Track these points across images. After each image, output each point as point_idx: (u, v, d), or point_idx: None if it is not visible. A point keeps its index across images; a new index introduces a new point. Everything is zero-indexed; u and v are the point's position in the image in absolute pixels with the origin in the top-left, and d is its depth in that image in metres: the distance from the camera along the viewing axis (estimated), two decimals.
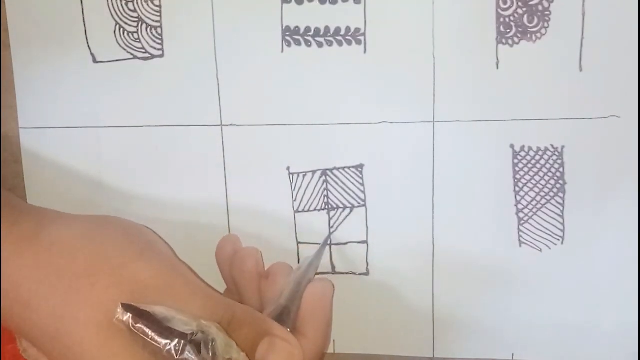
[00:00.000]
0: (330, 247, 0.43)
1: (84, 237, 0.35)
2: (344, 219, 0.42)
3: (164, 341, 0.29)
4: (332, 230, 0.42)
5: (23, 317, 0.33)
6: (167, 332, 0.30)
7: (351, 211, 0.42)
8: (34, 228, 0.35)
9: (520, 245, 0.41)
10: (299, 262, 0.43)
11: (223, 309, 0.33)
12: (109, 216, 0.38)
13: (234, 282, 0.40)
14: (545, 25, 0.38)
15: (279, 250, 0.43)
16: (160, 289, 0.33)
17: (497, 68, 0.39)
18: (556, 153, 0.40)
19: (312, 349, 0.35)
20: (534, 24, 0.38)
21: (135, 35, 0.42)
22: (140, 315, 0.30)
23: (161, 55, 0.42)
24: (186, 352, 0.29)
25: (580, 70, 0.39)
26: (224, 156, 0.43)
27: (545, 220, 0.41)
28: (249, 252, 0.40)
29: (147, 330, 0.30)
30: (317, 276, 0.41)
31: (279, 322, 0.35)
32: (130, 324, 0.30)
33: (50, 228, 0.35)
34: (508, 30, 0.39)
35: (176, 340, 0.29)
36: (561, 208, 0.40)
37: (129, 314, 0.30)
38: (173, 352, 0.29)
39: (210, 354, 0.30)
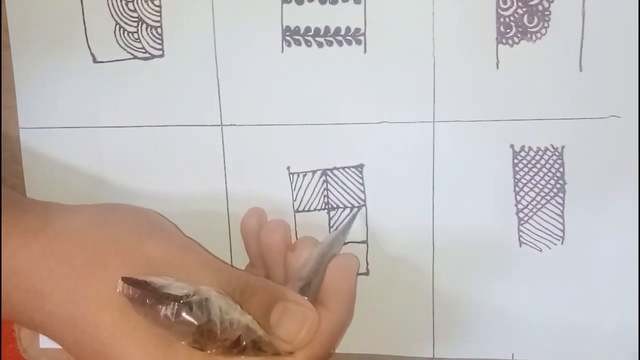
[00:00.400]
0: None
1: (92, 223, 0.35)
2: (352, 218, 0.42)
3: (160, 306, 0.30)
4: (355, 211, 0.42)
5: (36, 307, 0.33)
6: (162, 297, 0.30)
7: (359, 210, 0.42)
8: (39, 220, 0.35)
9: (520, 245, 0.41)
10: None
11: (235, 279, 0.34)
12: (114, 203, 0.39)
13: (260, 254, 0.41)
14: (545, 25, 0.38)
15: None
16: (172, 265, 0.33)
17: (497, 68, 0.39)
18: (556, 153, 0.40)
19: (333, 321, 0.35)
20: (534, 24, 0.38)
21: (135, 35, 0.42)
22: (138, 284, 0.30)
23: (161, 55, 0.42)
24: (182, 314, 0.30)
25: (580, 70, 0.39)
26: (224, 156, 0.43)
27: (545, 220, 0.41)
28: (277, 223, 0.40)
29: (145, 298, 0.30)
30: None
31: (300, 294, 0.35)
32: (130, 295, 0.30)
33: (56, 218, 0.35)
34: (508, 30, 0.39)
35: (171, 303, 0.30)
36: (561, 208, 0.40)
37: (127, 285, 0.30)
38: (170, 315, 0.30)
39: (205, 315, 0.30)
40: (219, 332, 0.30)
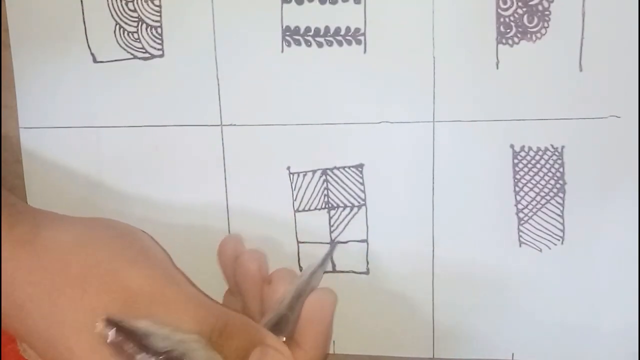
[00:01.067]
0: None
1: (78, 242, 0.35)
2: (351, 218, 0.42)
3: (138, 356, 0.29)
4: (335, 239, 0.42)
5: (19, 320, 0.33)
6: (143, 348, 0.30)
7: (359, 209, 0.42)
8: (30, 231, 0.35)
9: (520, 246, 0.41)
10: (299, 262, 0.43)
11: (215, 318, 0.33)
12: (105, 219, 0.38)
13: (236, 284, 0.40)
14: (545, 25, 0.38)
15: (279, 249, 0.43)
16: (151, 298, 0.32)
17: (497, 68, 0.39)
18: (556, 153, 0.40)
19: None
20: (534, 24, 0.38)
21: (135, 35, 0.42)
22: (121, 329, 0.30)
23: (161, 55, 0.42)
24: None
25: (580, 70, 0.39)
26: (224, 156, 0.43)
27: (545, 220, 0.41)
28: (252, 255, 0.40)
29: (124, 345, 0.30)
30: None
31: (276, 330, 0.35)
32: (110, 338, 0.30)
33: (46, 231, 0.35)
34: (508, 30, 0.39)
35: (151, 358, 0.29)
36: (561, 208, 0.40)
37: (108, 328, 0.30)
38: None
39: None
40: None
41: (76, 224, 0.37)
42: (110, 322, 0.30)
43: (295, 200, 0.43)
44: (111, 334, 0.30)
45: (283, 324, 0.35)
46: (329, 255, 0.42)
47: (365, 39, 0.40)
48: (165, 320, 0.31)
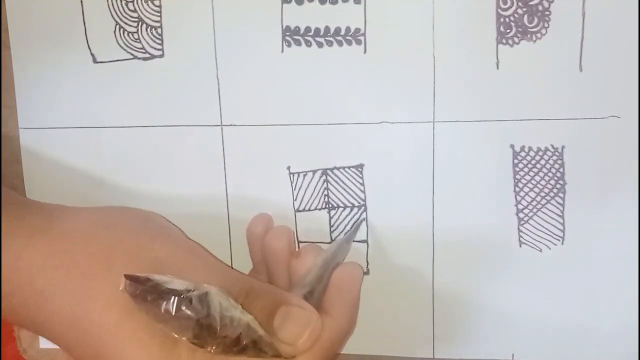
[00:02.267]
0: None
1: (97, 225, 0.35)
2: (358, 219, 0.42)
3: (161, 302, 0.30)
4: (359, 220, 0.42)
5: (38, 308, 0.33)
6: (163, 292, 0.30)
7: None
8: (44, 220, 0.35)
9: (520, 246, 0.41)
10: None
11: (240, 283, 0.34)
12: (119, 206, 0.39)
13: (263, 260, 0.41)
14: (545, 25, 0.38)
15: None
16: (177, 267, 0.33)
17: (497, 68, 0.39)
18: (556, 153, 0.40)
19: (335, 329, 0.35)
20: (534, 24, 0.38)
21: (135, 36, 0.42)
22: (139, 281, 0.30)
23: (161, 55, 0.42)
24: (182, 309, 0.30)
25: (580, 70, 0.39)
26: (224, 156, 0.43)
27: (545, 221, 0.41)
28: (282, 230, 0.41)
29: (146, 294, 0.30)
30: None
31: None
32: (132, 291, 0.30)
33: (60, 219, 0.35)
34: (508, 30, 0.39)
35: (171, 298, 0.30)
36: (561, 208, 0.40)
37: (129, 282, 0.30)
38: (170, 309, 0.30)
39: (205, 309, 0.30)
40: (218, 327, 0.30)
41: (90, 211, 0.37)
42: (130, 277, 0.31)
43: (295, 200, 0.43)
44: (128, 285, 0.30)
45: (310, 295, 0.36)
46: (355, 229, 0.42)
47: (365, 39, 0.40)
48: None
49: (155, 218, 0.38)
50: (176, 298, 0.30)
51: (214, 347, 0.31)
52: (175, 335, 0.31)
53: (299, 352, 0.33)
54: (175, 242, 0.35)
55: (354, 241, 0.42)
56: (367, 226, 0.42)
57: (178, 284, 0.31)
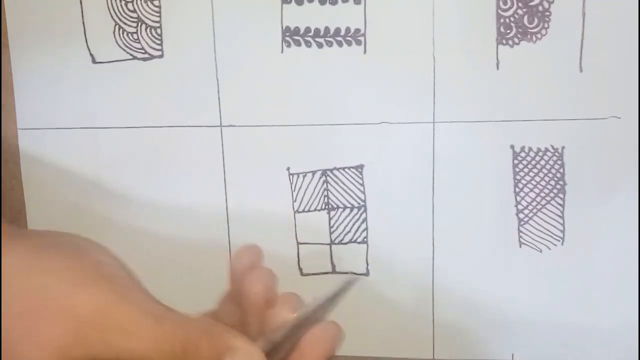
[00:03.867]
0: (330, 247, 0.43)
1: (23, 266, 0.33)
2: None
3: None
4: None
5: None
6: None
7: (359, 211, 0.42)
8: None
9: (520, 246, 0.41)
10: (298, 263, 0.43)
11: (173, 334, 0.31)
12: (55, 233, 0.36)
13: (239, 295, 0.39)
14: (546, 25, 0.38)
15: (279, 250, 0.43)
16: (102, 324, 0.31)
17: (497, 68, 0.39)
18: (556, 154, 0.40)
19: None
20: (534, 24, 0.39)
21: (135, 36, 0.42)
22: None
23: (161, 56, 0.42)
24: None
25: (580, 70, 0.39)
26: (223, 157, 0.42)
27: (545, 221, 0.41)
28: (262, 274, 0.37)
29: None
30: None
31: (267, 356, 0.34)
32: None
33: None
34: (508, 31, 0.39)
35: None
36: (561, 209, 0.40)
37: None
38: None
39: None
40: None
41: (21, 242, 0.34)
42: None
43: (295, 201, 0.42)
44: None
45: (274, 353, 0.34)
46: (343, 290, 0.38)
47: (365, 40, 0.40)
48: (121, 345, 0.30)
49: (91, 253, 0.35)
50: None
51: None
52: None
53: None
54: (103, 290, 0.32)
55: (354, 242, 0.42)
56: (367, 226, 0.42)
57: None
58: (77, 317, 0.31)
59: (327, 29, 0.40)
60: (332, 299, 0.37)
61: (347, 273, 0.43)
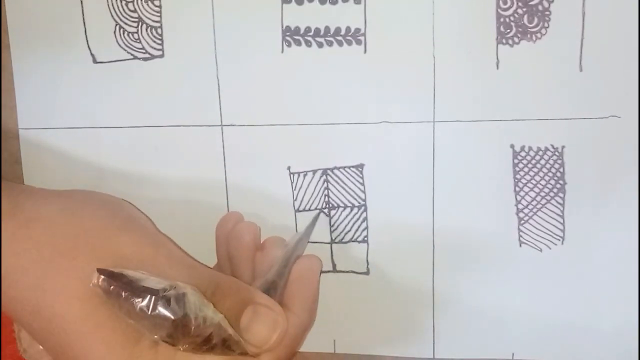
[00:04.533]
0: (331, 246, 0.43)
1: (64, 213, 0.34)
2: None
3: (136, 299, 0.30)
4: (317, 214, 0.42)
5: (2, 292, 0.33)
6: (139, 290, 0.30)
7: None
8: (10, 204, 0.34)
9: (520, 245, 0.41)
10: None
11: (207, 279, 0.33)
12: (87, 190, 0.38)
13: (228, 255, 0.40)
14: (545, 25, 0.38)
15: None
16: (142, 262, 0.33)
17: (497, 68, 0.39)
18: (556, 153, 0.40)
19: (296, 323, 0.35)
20: (534, 24, 0.38)
21: (135, 36, 0.42)
22: (114, 277, 0.30)
23: (161, 56, 0.42)
24: (158, 308, 0.29)
25: (580, 70, 0.39)
26: (224, 156, 0.43)
27: (545, 220, 0.41)
28: (248, 226, 0.40)
29: (121, 291, 0.30)
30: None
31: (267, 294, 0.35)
32: (105, 287, 0.30)
33: (27, 203, 0.35)
34: (508, 30, 0.39)
35: (148, 296, 0.29)
36: (561, 208, 0.40)
37: (102, 277, 0.30)
38: (145, 308, 0.29)
39: (182, 310, 0.30)
40: (192, 327, 0.30)
41: (58, 195, 0.36)
42: (103, 272, 0.30)
43: (295, 200, 0.43)
44: (101, 280, 0.30)
45: (272, 290, 0.36)
46: (313, 223, 0.42)
47: (365, 39, 0.40)
48: None
49: (124, 206, 0.37)
50: (153, 297, 0.29)
51: (185, 346, 0.31)
52: (147, 334, 0.31)
53: (264, 352, 0.33)
54: (141, 236, 0.34)
55: (355, 241, 0.42)
56: (367, 226, 0.42)
57: (154, 283, 0.30)
58: (117, 255, 0.33)
59: (327, 28, 0.40)
60: (306, 233, 0.41)
61: (348, 272, 0.43)
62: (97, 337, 0.31)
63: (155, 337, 0.30)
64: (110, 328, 0.31)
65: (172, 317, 0.30)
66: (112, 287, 0.30)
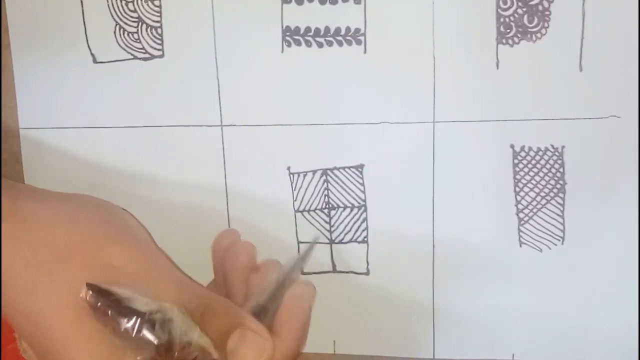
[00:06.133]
0: (331, 246, 0.43)
1: (61, 216, 0.34)
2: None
3: (122, 319, 0.30)
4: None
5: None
6: (126, 310, 0.30)
7: (359, 210, 0.42)
8: (9, 203, 0.34)
9: (520, 246, 0.41)
10: None
11: (197, 298, 0.33)
12: (87, 195, 0.38)
13: (223, 273, 0.40)
14: (545, 25, 0.38)
15: (279, 249, 0.43)
16: (133, 276, 0.33)
17: (497, 68, 0.39)
18: (556, 153, 0.40)
19: (283, 350, 0.35)
20: (534, 24, 0.38)
21: (135, 36, 0.42)
22: (102, 293, 0.30)
23: (161, 56, 0.42)
24: (143, 331, 0.30)
25: (580, 70, 0.39)
26: (224, 156, 0.43)
27: (545, 221, 0.41)
28: (244, 246, 0.40)
29: (107, 309, 0.30)
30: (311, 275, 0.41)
31: (256, 318, 0.35)
32: (93, 303, 0.30)
33: (25, 203, 0.35)
34: (508, 30, 0.39)
35: (134, 318, 0.30)
36: (561, 208, 0.40)
37: (91, 292, 0.30)
38: (130, 330, 0.29)
39: (166, 335, 0.30)
40: (176, 352, 0.30)
41: (57, 198, 0.36)
42: (92, 288, 0.30)
43: (295, 200, 0.43)
44: (89, 295, 0.30)
45: (262, 315, 0.35)
46: (310, 250, 0.42)
47: (365, 39, 0.40)
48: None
49: (120, 215, 0.37)
50: (138, 319, 0.29)
51: None
52: (130, 354, 0.30)
53: None
54: (135, 248, 0.34)
55: (355, 242, 0.42)
56: (367, 226, 0.42)
57: (141, 304, 0.30)
58: (109, 266, 0.33)
59: (327, 28, 0.40)
60: (303, 259, 0.41)
61: (347, 272, 0.43)
62: (83, 347, 0.31)
63: (139, 358, 0.30)
64: (96, 340, 0.31)
65: (156, 342, 0.30)
66: (99, 303, 0.30)
